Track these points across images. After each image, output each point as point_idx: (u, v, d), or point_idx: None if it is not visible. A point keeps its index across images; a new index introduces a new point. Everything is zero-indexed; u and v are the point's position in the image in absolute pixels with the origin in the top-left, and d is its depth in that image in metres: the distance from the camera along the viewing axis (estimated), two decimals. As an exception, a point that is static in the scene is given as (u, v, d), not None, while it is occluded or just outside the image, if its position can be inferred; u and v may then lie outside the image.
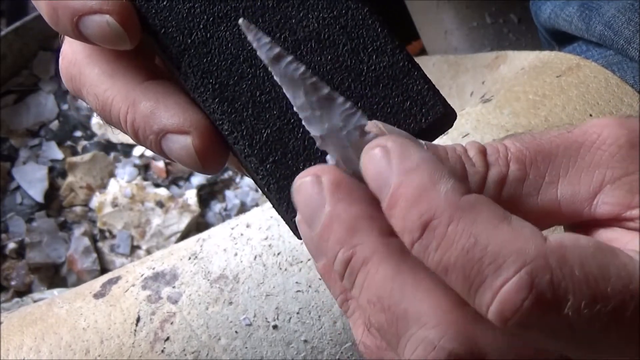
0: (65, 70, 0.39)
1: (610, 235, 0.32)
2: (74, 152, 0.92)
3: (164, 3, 0.36)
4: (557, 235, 0.29)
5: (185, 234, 0.86)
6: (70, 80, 0.39)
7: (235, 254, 0.51)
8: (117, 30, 0.35)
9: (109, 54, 0.37)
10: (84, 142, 0.93)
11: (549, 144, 0.33)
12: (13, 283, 0.84)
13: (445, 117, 0.36)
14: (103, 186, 0.90)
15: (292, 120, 0.35)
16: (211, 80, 0.36)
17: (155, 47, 0.37)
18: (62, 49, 0.39)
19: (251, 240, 0.51)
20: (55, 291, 0.81)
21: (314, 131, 0.32)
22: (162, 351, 0.48)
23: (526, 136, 0.33)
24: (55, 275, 0.86)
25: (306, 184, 0.32)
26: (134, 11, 0.35)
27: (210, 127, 0.36)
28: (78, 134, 0.94)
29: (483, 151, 0.33)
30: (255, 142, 0.35)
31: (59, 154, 0.92)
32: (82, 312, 0.50)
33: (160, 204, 0.88)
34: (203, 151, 0.36)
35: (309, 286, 0.49)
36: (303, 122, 0.32)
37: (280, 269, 0.50)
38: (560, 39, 0.66)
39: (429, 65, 0.80)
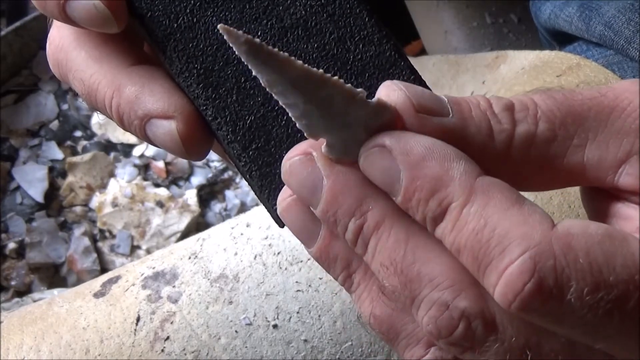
0: (52, 56, 0.39)
1: (629, 212, 0.32)
2: (74, 152, 0.92)
3: None
4: (566, 221, 0.29)
5: (185, 234, 0.86)
6: (57, 66, 0.39)
7: (235, 254, 0.51)
8: (104, 12, 0.34)
9: (96, 38, 0.37)
10: (84, 142, 0.93)
11: (581, 106, 0.32)
12: (13, 283, 0.84)
13: None
14: (103, 186, 0.90)
15: (276, 107, 0.35)
16: (196, 65, 0.36)
17: (142, 31, 0.37)
18: (49, 34, 0.39)
19: (251, 239, 0.51)
20: (55, 291, 0.81)
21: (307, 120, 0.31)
22: (162, 350, 0.48)
23: (557, 94, 0.32)
24: (55, 275, 0.86)
25: (297, 163, 0.32)
26: None
27: (195, 112, 0.36)
28: (78, 134, 0.94)
29: (510, 107, 0.32)
30: (239, 128, 0.35)
31: (59, 154, 0.92)
32: (82, 311, 0.50)
33: (160, 204, 0.88)
34: (187, 136, 0.35)
35: (309, 285, 0.49)
36: (297, 124, 0.31)
37: (280, 268, 0.50)
38: (561, 40, 0.66)
39: (429, 65, 0.80)
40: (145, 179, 0.90)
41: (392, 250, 0.31)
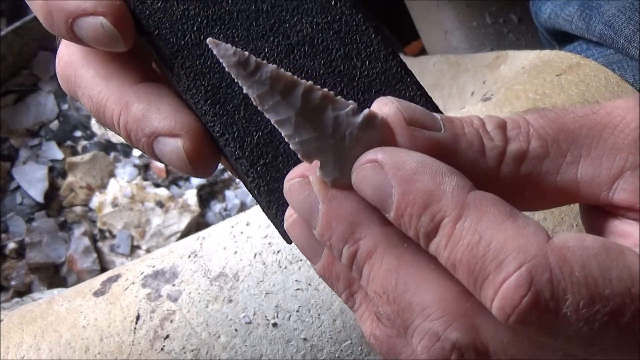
0: (61, 72, 0.39)
1: (626, 229, 0.32)
2: (74, 152, 0.93)
3: (158, 4, 0.36)
4: (562, 234, 0.29)
5: (185, 234, 0.86)
6: (66, 82, 0.39)
7: (235, 252, 0.51)
8: (111, 32, 0.34)
9: (104, 56, 0.37)
10: (84, 142, 0.93)
11: (573, 123, 0.32)
12: (13, 283, 0.84)
13: None
14: (103, 186, 0.90)
15: None
16: (203, 82, 0.36)
17: (149, 49, 0.37)
18: (58, 51, 0.39)
19: (251, 238, 0.51)
20: (55, 291, 0.81)
21: (299, 137, 0.31)
22: (162, 349, 0.48)
23: (550, 112, 0.33)
24: (55, 275, 0.86)
25: (295, 186, 0.32)
26: (128, 13, 0.35)
27: (201, 130, 0.36)
28: (78, 134, 0.94)
29: (502, 125, 0.32)
30: (247, 144, 0.35)
31: (59, 154, 0.92)
32: (82, 310, 0.50)
33: (160, 204, 0.88)
34: (194, 154, 0.35)
35: (309, 284, 0.49)
36: (285, 138, 0.32)
37: (280, 267, 0.50)
38: (561, 39, 0.66)
39: (429, 65, 0.80)
40: (145, 179, 0.91)
41: (384, 279, 0.31)
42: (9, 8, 0.99)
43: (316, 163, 0.32)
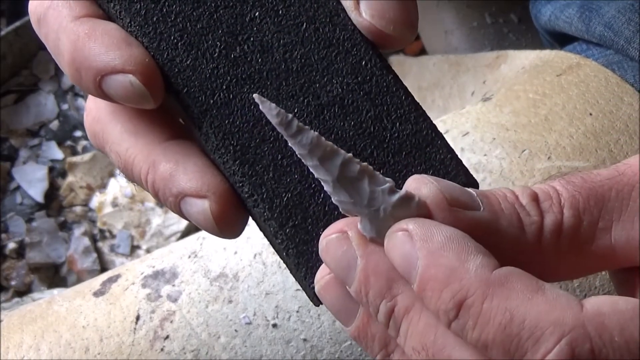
0: (89, 127, 0.39)
1: None
2: (74, 152, 0.93)
3: (188, 62, 0.35)
4: (594, 300, 0.29)
5: (185, 234, 0.86)
6: (94, 137, 0.39)
7: (235, 253, 0.51)
8: (140, 89, 0.34)
9: (132, 112, 0.37)
10: (84, 142, 0.93)
11: (601, 187, 0.32)
12: (13, 283, 0.84)
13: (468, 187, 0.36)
14: (103, 186, 0.90)
15: (313, 185, 0.35)
16: (232, 142, 0.35)
17: (177, 106, 0.36)
18: (86, 105, 0.39)
19: (251, 238, 0.51)
20: (55, 291, 0.81)
21: (340, 199, 0.32)
22: (162, 349, 0.48)
23: (576, 178, 0.33)
24: (55, 275, 0.86)
25: (333, 241, 0.32)
26: (157, 70, 0.35)
27: (228, 191, 0.35)
28: (78, 133, 0.94)
29: (535, 197, 0.32)
30: (276, 205, 0.35)
31: (59, 154, 0.92)
32: (82, 310, 0.50)
33: (160, 204, 0.88)
34: (220, 216, 0.35)
35: (309, 285, 0.49)
36: (330, 196, 0.32)
37: (280, 267, 0.50)
38: (561, 41, 0.66)
39: (429, 65, 0.80)
40: (145, 179, 0.90)
41: (422, 335, 0.30)
42: (9, 8, 0.99)
43: (357, 218, 0.32)
